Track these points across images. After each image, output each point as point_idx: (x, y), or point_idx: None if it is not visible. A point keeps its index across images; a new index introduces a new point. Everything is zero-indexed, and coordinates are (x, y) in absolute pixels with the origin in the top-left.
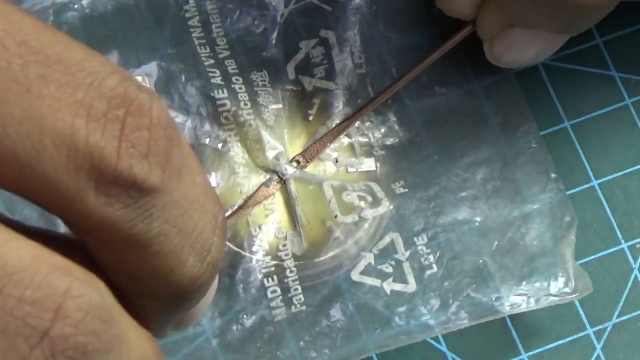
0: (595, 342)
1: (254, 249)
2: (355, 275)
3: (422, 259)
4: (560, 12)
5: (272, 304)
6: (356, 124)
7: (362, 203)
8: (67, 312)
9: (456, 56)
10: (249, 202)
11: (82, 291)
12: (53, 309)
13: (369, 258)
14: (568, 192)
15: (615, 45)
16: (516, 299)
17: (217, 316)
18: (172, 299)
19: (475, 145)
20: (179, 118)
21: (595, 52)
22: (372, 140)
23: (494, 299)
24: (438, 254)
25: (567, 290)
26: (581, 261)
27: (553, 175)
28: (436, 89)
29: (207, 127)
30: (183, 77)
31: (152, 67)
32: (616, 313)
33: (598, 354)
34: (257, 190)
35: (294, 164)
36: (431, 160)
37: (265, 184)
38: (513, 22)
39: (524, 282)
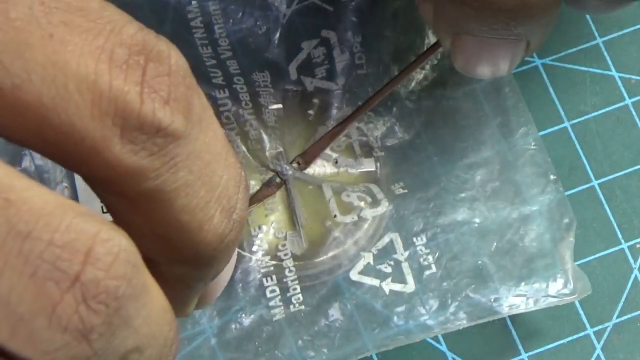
0: (595, 342)
1: (254, 248)
2: (354, 275)
3: (421, 259)
4: (483, 15)
5: (271, 303)
6: (356, 125)
7: (362, 203)
8: (97, 255)
9: None
10: (251, 200)
11: (111, 235)
12: (83, 252)
13: (367, 258)
14: (568, 192)
15: (615, 45)
16: (515, 300)
17: (216, 315)
18: (200, 261)
19: (474, 147)
20: None
21: (595, 52)
22: (372, 141)
23: (492, 300)
24: (437, 254)
25: (565, 291)
26: (581, 261)
27: (552, 177)
28: (436, 90)
29: None
30: None
31: None
32: (616, 313)
33: (598, 354)
34: (258, 190)
35: (295, 165)
36: (431, 162)
37: (267, 183)
38: (458, 30)
39: (522, 283)
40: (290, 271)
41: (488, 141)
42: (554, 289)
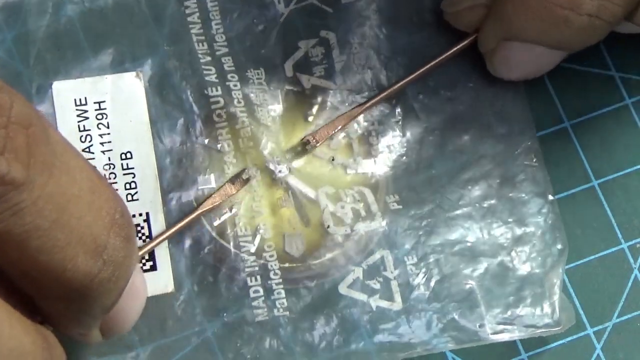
0: (595, 342)
1: (240, 247)
2: (342, 289)
3: (411, 279)
4: (552, 28)
5: (254, 303)
6: (355, 125)
7: (357, 214)
8: None
9: (464, 61)
10: (213, 197)
11: None
12: None
13: (357, 272)
14: (568, 192)
15: (615, 45)
16: (500, 328)
17: (199, 313)
18: (73, 298)
19: (475, 160)
20: (172, 115)
21: (595, 52)
22: (372, 141)
23: (478, 326)
24: (426, 275)
25: (550, 322)
26: (581, 261)
27: (550, 197)
28: (443, 93)
29: (199, 125)
30: (178, 74)
31: (147, 63)
32: (616, 313)
33: (598, 354)
34: (221, 187)
35: (299, 148)
36: (429, 174)
37: (231, 180)
38: (510, 36)
39: (509, 312)
40: (275, 274)
41: (489, 154)
42: (540, 320)
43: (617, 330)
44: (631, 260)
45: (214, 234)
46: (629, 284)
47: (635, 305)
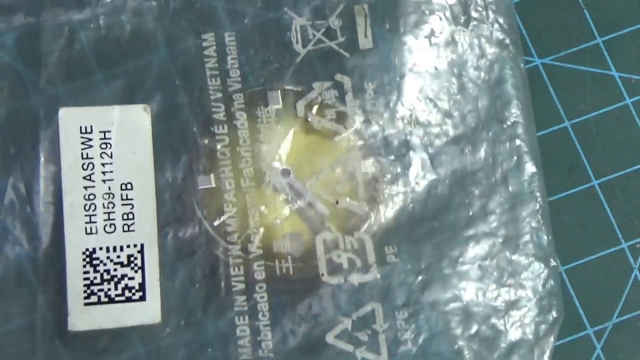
0: (595, 342)
1: (232, 287)
2: (329, 338)
3: (399, 334)
4: None
5: (240, 342)
6: (363, 170)
7: (352, 264)
8: None
9: (481, 113)
10: None
11: None
12: None
13: (346, 323)
14: (568, 192)
15: (615, 45)
16: None
17: (183, 347)
18: None
19: (480, 217)
20: (176, 150)
21: (595, 52)
22: (379, 187)
23: None
24: (415, 332)
25: None
26: (581, 261)
27: (552, 263)
28: (457, 144)
29: (202, 161)
30: (187, 110)
31: (157, 97)
32: (616, 313)
33: (598, 354)
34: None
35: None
36: (431, 226)
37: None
38: None
39: None
40: (263, 315)
41: (497, 210)
42: None
43: (617, 330)
44: (631, 260)
45: (206, 271)
46: (629, 284)
47: (635, 305)
